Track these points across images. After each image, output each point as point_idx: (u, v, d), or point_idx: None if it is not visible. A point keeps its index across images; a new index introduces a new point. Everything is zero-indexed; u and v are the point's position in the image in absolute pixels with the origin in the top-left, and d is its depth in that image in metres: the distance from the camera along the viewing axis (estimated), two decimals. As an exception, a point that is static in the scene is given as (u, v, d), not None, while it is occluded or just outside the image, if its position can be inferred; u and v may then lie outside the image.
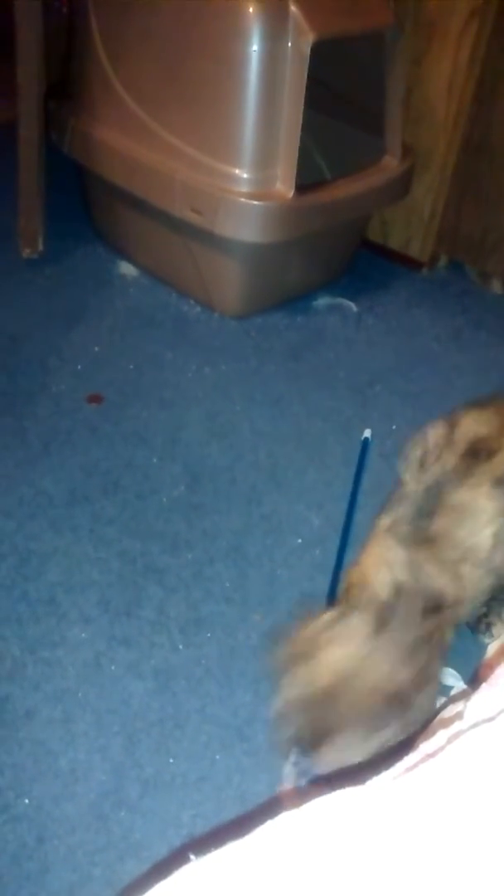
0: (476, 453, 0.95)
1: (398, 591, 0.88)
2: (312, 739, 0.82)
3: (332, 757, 0.81)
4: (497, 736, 0.38)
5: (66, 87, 1.71)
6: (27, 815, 0.88)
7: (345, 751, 0.80)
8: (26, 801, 0.89)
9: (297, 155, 1.47)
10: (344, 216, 1.66)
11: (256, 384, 1.55)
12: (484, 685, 0.46)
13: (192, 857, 0.39)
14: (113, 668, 1.03)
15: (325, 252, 1.76)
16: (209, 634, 1.09)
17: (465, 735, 0.39)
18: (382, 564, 0.91)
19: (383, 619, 0.83)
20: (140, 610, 1.11)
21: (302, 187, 1.50)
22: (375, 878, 0.37)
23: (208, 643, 1.08)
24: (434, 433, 0.98)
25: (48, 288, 1.73)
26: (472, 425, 0.99)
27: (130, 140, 1.57)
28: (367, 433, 1.42)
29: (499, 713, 0.40)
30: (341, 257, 1.84)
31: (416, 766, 0.40)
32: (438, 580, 0.89)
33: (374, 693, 0.80)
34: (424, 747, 0.42)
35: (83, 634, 1.06)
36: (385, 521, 0.95)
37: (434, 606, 0.88)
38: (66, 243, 1.84)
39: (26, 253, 1.76)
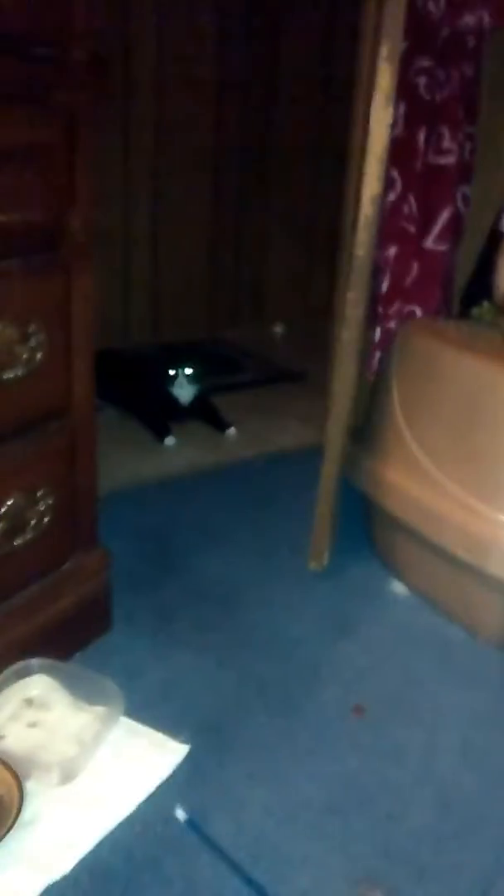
0: None
1: None
2: None
3: None
4: None
5: (364, 433, 2.04)
6: None
7: None
8: None
9: None
10: None
11: (515, 718, 1.59)
12: None
13: None
14: None
15: None
16: None
17: None
18: None
19: None
20: (381, 937, 1.14)
21: None
22: None
23: None
24: None
25: (326, 598, 1.94)
26: None
27: (415, 484, 1.82)
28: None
29: None
30: None
31: None
32: None
33: None
34: None
35: None
36: None
37: None
38: (346, 559, 2.07)
39: (312, 566, 2.01)
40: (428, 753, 1.48)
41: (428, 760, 1.47)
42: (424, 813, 1.35)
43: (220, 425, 2.85)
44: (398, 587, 2.00)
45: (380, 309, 2.00)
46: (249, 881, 1.19)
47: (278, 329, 4.18)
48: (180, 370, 2.78)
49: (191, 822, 1.29)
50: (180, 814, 1.30)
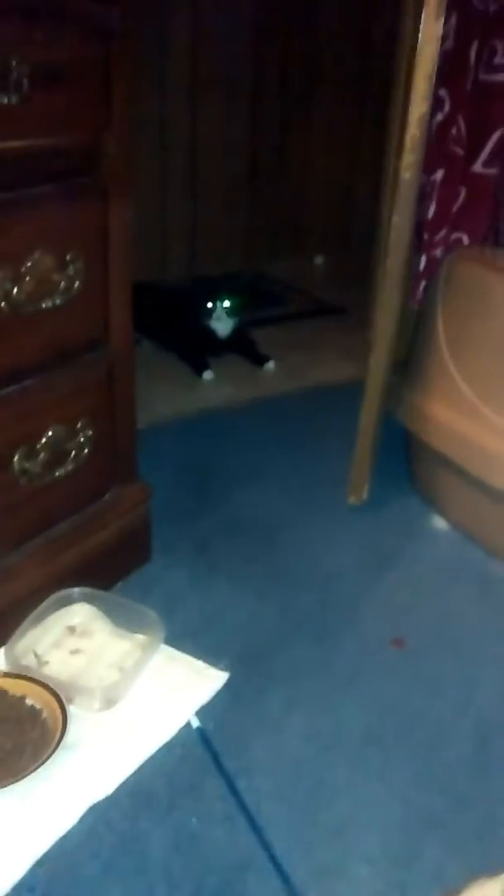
0: None
1: None
2: None
3: None
4: None
5: (408, 366, 1.99)
6: None
7: None
8: None
9: None
10: None
11: None
12: None
13: None
14: (387, 914, 1.08)
15: None
16: (485, 905, 1.09)
17: None
18: None
19: None
20: (418, 861, 1.15)
21: None
22: None
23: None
24: None
25: (366, 533, 1.93)
26: None
27: (461, 419, 1.78)
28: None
29: None
30: None
31: None
32: None
33: None
34: None
35: (364, 872, 1.12)
36: None
37: None
38: (386, 494, 2.05)
39: (351, 500, 2.00)
40: (468, 686, 1.48)
41: (468, 693, 1.46)
42: (464, 744, 1.35)
43: (259, 359, 2.82)
44: (439, 522, 1.98)
45: (425, 236, 1.93)
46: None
47: (319, 261, 4.10)
48: (218, 303, 2.74)
49: (201, 732, 1.33)
50: (194, 721, 1.34)
